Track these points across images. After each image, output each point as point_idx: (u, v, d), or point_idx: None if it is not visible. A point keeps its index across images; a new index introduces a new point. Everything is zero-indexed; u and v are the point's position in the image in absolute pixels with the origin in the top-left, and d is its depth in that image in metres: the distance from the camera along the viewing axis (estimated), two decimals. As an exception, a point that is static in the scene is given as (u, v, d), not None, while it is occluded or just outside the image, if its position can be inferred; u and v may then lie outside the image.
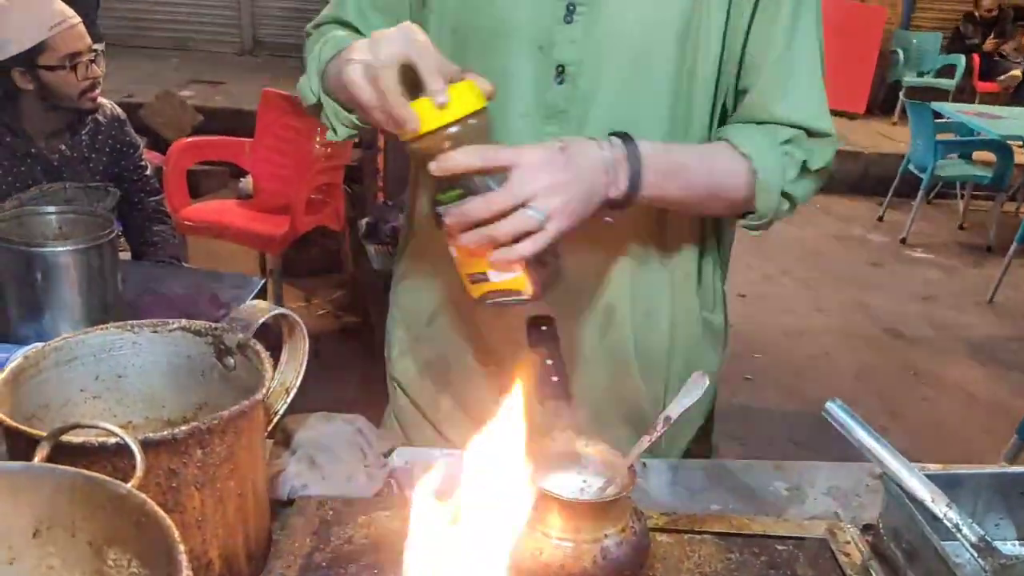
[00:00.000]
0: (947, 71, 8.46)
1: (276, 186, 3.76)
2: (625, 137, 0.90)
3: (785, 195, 0.99)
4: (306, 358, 0.94)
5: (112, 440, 0.64)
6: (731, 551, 0.87)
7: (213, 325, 0.85)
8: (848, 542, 0.89)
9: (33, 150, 1.97)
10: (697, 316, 1.11)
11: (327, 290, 4.15)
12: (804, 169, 0.99)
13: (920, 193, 5.65)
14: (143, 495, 0.55)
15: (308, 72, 1.03)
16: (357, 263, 3.68)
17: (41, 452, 0.62)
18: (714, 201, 1.00)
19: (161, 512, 0.54)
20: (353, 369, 3.09)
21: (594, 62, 0.97)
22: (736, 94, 1.03)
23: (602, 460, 0.83)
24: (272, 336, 0.88)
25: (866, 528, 0.93)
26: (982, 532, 0.84)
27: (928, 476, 0.88)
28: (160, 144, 5.41)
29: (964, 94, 8.24)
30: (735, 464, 1.08)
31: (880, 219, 6.17)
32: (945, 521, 0.85)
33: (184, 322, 0.86)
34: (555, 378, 0.87)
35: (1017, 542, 0.95)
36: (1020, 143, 5.03)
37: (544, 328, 0.90)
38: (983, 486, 0.93)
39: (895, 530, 0.88)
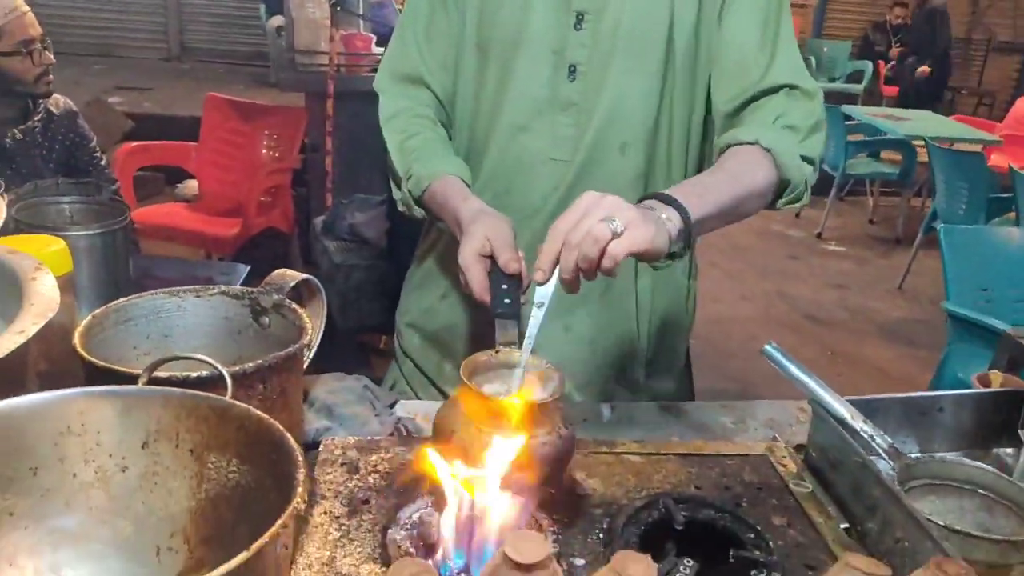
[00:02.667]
0: (856, 76, 9.04)
1: (223, 189, 3.82)
2: (657, 195, 0.98)
3: (804, 159, 1.12)
4: (324, 318, 1.08)
5: (195, 373, 0.78)
6: (691, 467, 1.05)
7: (250, 289, 0.98)
8: (784, 456, 1.08)
9: None
10: (676, 281, 1.30)
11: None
12: (805, 130, 1.13)
13: (832, 190, 6.05)
14: (246, 404, 0.69)
15: (403, 190, 1.21)
16: (308, 262, 3.77)
17: (141, 381, 0.75)
18: (750, 199, 1.08)
19: (264, 415, 0.68)
20: (314, 362, 3.19)
21: (600, 60, 1.15)
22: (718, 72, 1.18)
23: (539, 371, 0.92)
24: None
25: (798, 448, 1.12)
26: (891, 441, 1.04)
27: (849, 401, 1.08)
28: (93, 150, 5.37)
29: (872, 97, 8.81)
30: (688, 405, 1.27)
31: (797, 216, 6.54)
32: (862, 434, 1.04)
33: (223, 287, 0.99)
34: (507, 300, 0.99)
35: (919, 454, 1.15)
36: (922, 142, 5.44)
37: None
38: (893, 409, 1.14)
39: (822, 447, 1.07)
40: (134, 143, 3.66)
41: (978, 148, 5.60)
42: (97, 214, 1.33)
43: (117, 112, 6.40)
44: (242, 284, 1.69)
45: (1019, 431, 1.13)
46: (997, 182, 4.66)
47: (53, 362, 0.92)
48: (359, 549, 0.85)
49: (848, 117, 6.14)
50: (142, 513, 0.72)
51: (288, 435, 0.65)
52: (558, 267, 0.88)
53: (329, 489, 0.94)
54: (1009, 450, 1.17)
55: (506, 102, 1.18)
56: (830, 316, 4.62)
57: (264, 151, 3.79)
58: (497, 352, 0.91)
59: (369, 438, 1.05)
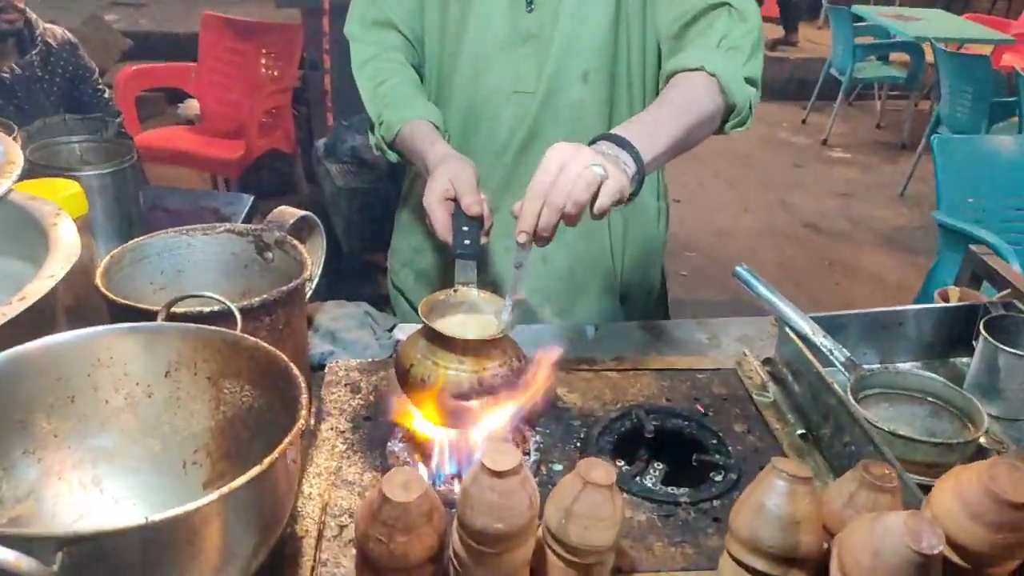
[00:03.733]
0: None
1: (224, 110, 3.84)
2: (609, 136, 0.99)
3: (747, 80, 1.13)
4: (324, 252, 1.16)
5: (208, 308, 0.86)
6: (664, 380, 1.14)
7: (254, 227, 1.06)
8: (751, 369, 1.18)
9: None
10: (645, 202, 1.36)
11: (282, 211, 4.28)
12: (748, 50, 1.14)
13: (840, 95, 5.98)
14: (254, 338, 0.78)
15: (376, 136, 1.26)
16: (312, 182, 3.83)
17: (161, 317, 0.84)
18: (699, 127, 1.08)
19: (271, 347, 0.77)
20: (322, 280, 3.29)
21: None
22: None
23: (494, 309, 0.98)
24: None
25: (766, 361, 1.21)
26: (849, 354, 1.13)
27: (812, 317, 1.16)
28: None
29: (885, -4, 8.54)
30: (667, 323, 1.36)
31: (804, 121, 6.49)
32: (821, 348, 1.13)
33: (229, 225, 1.06)
34: (467, 241, 1.05)
35: (879, 365, 1.25)
36: (931, 43, 5.34)
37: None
38: (855, 325, 1.22)
39: (787, 360, 1.16)
40: (135, 66, 3.67)
41: (989, 50, 5.49)
42: (106, 152, 1.40)
43: (115, 31, 6.32)
44: (247, 212, 1.77)
45: (973, 342, 1.21)
46: (1004, 85, 4.61)
47: (77, 297, 1.01)
48: (362, 460, 0.96)
49: (859, 19, 6.01)
50: (168, 432, 0.82)
51: (292, 365, 0.74)
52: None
53: (335, 407, 1.05)
54: (964, 359, 1.26)
55: (467, 40, 1.23)
56: (832, 226, 4.66)
57: (263, 70, 3.79)
58: (456, 291, 0.98)
59: (370, 360, 1.15)
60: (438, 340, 0.91)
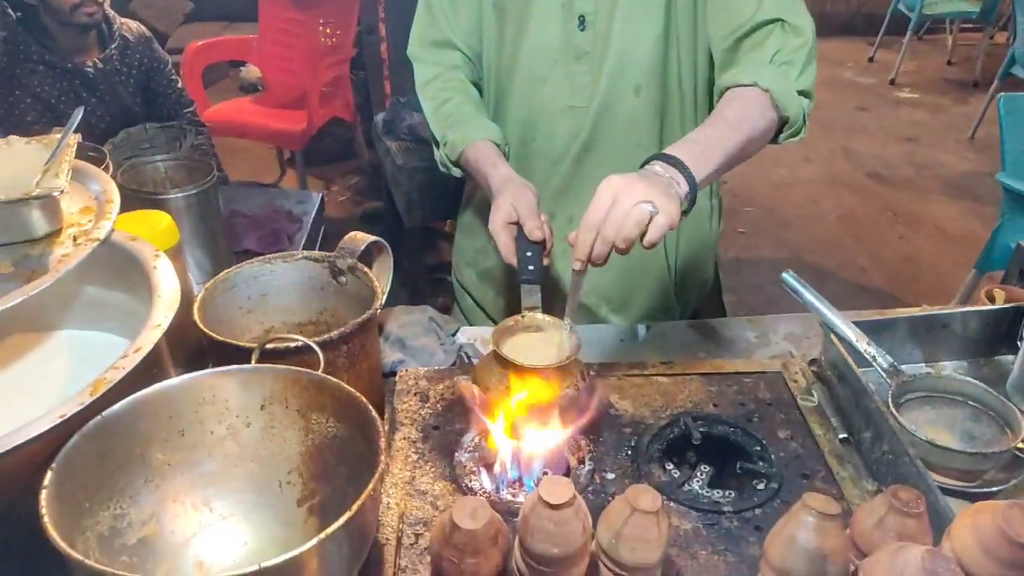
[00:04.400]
0: None
1: (286, 79, 3.94)
2: (663, 156, 1.03)
3: (801, 92, 1.17)
4: (392, 271, 1.25)
5: (294, 344, 0.97)
6: (711, 385, 1.21)
7: (328, 254, 1.16)
8: (797, 372, 1.24)
9: (69, 65, 2.20)
10: (699, 203, 1.40)
11: (344, 177, 4.41)
12: (800, 64, 1.17)
13: (909, 31, 5.74)
14: (337, 380, 0.88)
15: (440, 153, 1.33)
16: (371, 148, 3.92)
17: (255, 356, 0.94)
18: (751, 144, 1.12)
19: (353, 390, 0.86)
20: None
21: (606, 9, 1.23)
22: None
23: (560, 330, 1.05)
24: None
25: (812, 362, 1.27)
26: (891, 360, 1.18)
27: (855, 323, 1.21)
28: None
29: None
30: (716, 321, 1.41)
31: (871, 60, 6.27)
32: (865, 355, 1.18)
33: (306, 253, 1.16)
34: (531, 267, 1.12)
35: (923, 364, 1.29)
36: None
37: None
38: (901, 327, 1.27)
39: (830, 362, 1.22)
40: (200, 42, 3.77)
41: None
42: (188, 170, 1.51)
43: (175, -7, 6.44)
44: (316, 210, 1.87)
45: (1018, 342, 1.24)
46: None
47: (177, 316, 1.12)
48: (433, 469, 1.06)
49: (930, -52, 5.72)
50: (265, 457, 0.94)
51: (371, 408, 0.84)
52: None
53: (406, 417, 1.15)
54: (1009, 357, 1.29)
55: (523, 56, 1.28)
56: (895, 173, 4.56)
57: (321, 39, 3.85)
58: (523, 316, 1.07)
59: (436, 368, 1.25)
60: (510, 366, 1.00)
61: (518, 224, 1.14)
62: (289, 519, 0.93)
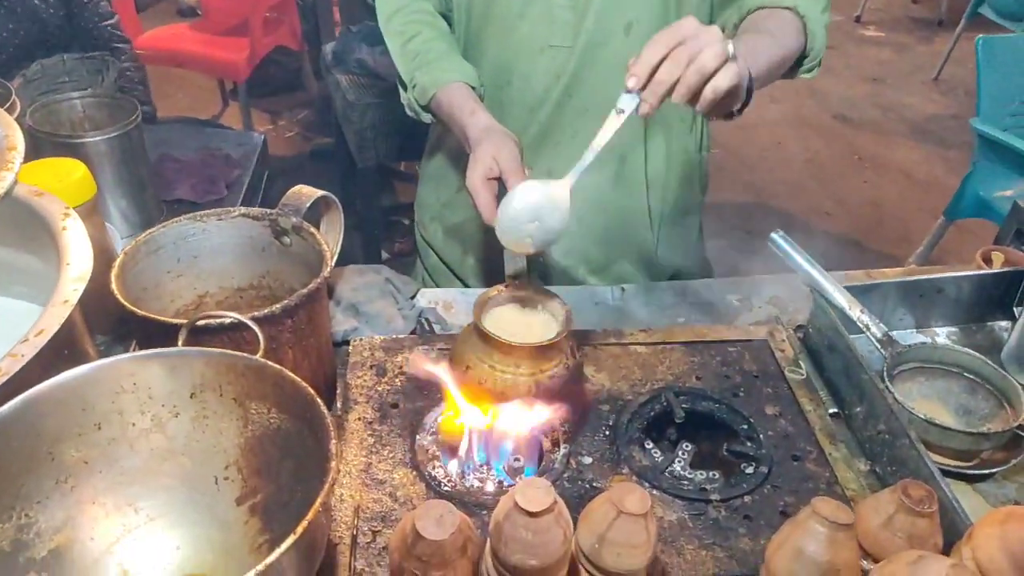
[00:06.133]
0: None
1: (226, 4, 3.65)
2: None
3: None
4: (343, 229, 1.12)
5: (228, 321, 0.84)
6: (694, 355, 1.12)
7: (269, 211, 1.02)
8: (784, 341, 1.15)
9: None
10: (688, 157, 1.29)
11: (292, 110, 4.17)
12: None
13: (877, -33, 5.61)
14: (278, 365, 0.76)
15: (408, 96, 1.19)
16: (319, 79, 3.69)
17: (182, 337, 0.81)
18: (785, 62, 1.06)
19: (296, 377, 0.74)
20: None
21: None
22: None
23: (548, 307, 0.96)
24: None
25: (798, 328, 1.18)
26: (886, 329, 1.10)
27: (847, 288, 1.12)
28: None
29: None
30: (697, 283, 1.32)
31: (836, -5, 6.14)
32: (858, 323, 1.10)
33: (244, 209, 1.02)
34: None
35: (915, 330, 1.21)
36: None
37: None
38: (891, 291, 1.18)
39: (820, 330, 1.13)
40: (129, -41, 3.46)
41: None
42: (110, 109, 1.33)
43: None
44: (259, 153, 1.71)
45: (1014, 308, 1.17)
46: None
47: (94, 279, 0.98)
48: (391, 454, 0.96)
49: None
50: (198, 450, 0.82)
51: (319, 401, 0.72)
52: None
53: (361, 394, 1.04)
54: (1004, 323, 1.22)
55: None
56: (861, 115, 4.49)
57: (265, -40, 3.57)
58: (507, 286, 0.95)
59: (394, 336, 1.13)
60: (493, 342, 0.89)
61: (499, 180, 1.02)
62: (227, 520, 0.82)
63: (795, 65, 1.12)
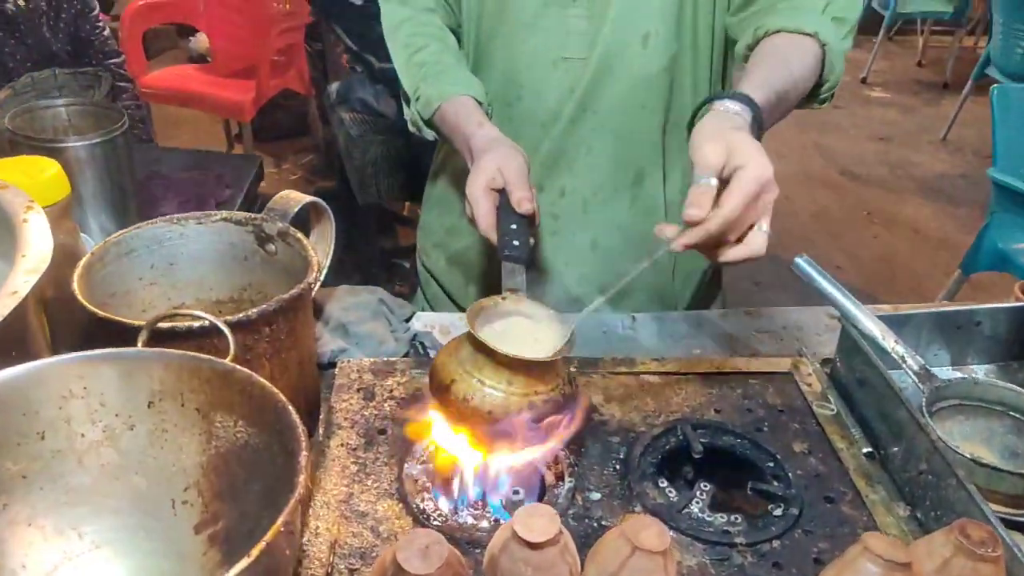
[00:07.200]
0: None
1: (235, 47, 3.67)
2: (744, 98, 0.89)
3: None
4: (334, 239, 1.04)
5: (198, 324, 0.75)
6: (712, 387, 1.03)
7: (253, 215, 0.94)
8: (810, 374, 1.06)
9: None
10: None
11: (297, 154, 4.15)
12: (850, 24, 1.03)
13: (882, 30, 5.67)
14: (247, 370, 0.67)
15: (412, 110, 1.13)
16: (326, 124, 3.67)
17: (142, 338, 0.72)
18: (795, 99, 1.01)
19: (267, 383, 0.65)
20: (337, 232, 3.19)
21: None
22: None
23: (546, 319, 0.86)
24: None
25: (824, 362, 1.09)
26: (923, 361, 1.00)
27: (879, 317, 1.03)
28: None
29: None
30: (713, 313, 1.23)
31: (841, 58, 6.20)
32: (893, 354, 1.00)
33: (226, 213, 0.94)
34: (516, 242, 0.92)
35: (951, 367, 1.12)
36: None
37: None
38: (925, 323, 1.09)
39: (849, 363, 1.04)
40: (140, 1, 3.48)
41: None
42: (95, 117, 1.27)
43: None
44: (254, 176, 1.64)
45: (1059, 344, 1.08)
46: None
47: (60, 287, 0.90)
48: (376, 484, 0.86)
49: (904, -53, 5.65)
50: (154, 468, 0.72)
51: (291, 409, 0.63)
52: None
53: (345, 418, 0.94)
54: (1046, 362, 1.13)
55: None
56: (869, 172, 4.46)
57: (275, 4, 3.59)
58: (504, 298, 0.86)
59: (385, 359, 1.04)
60: (485, 354, 0.79)
61: (502, 192, 0.94)
62: (183, 550, 0.71)
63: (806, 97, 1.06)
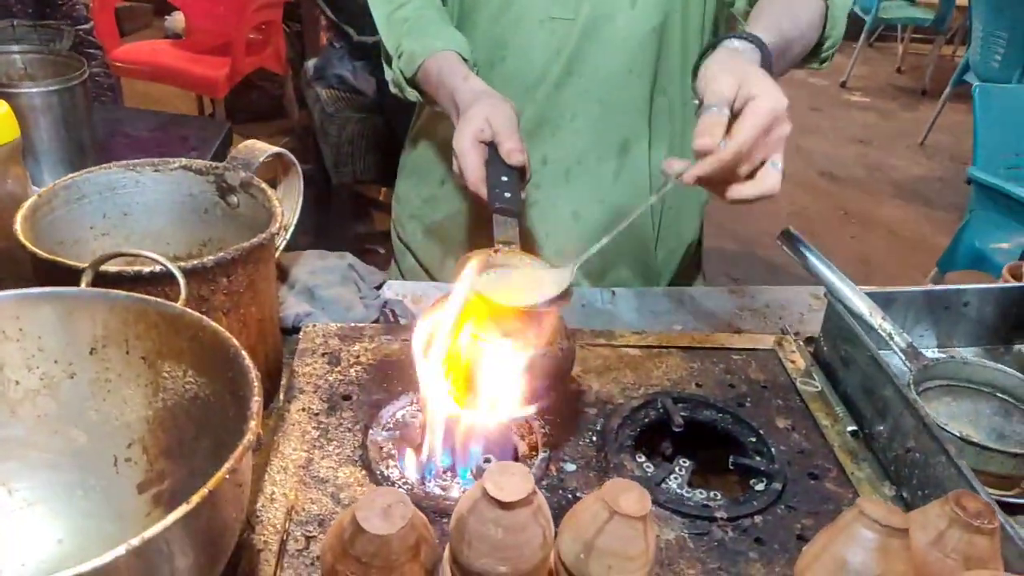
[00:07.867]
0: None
1: (211, 24, 3.58)
2: (754, 38, 0.85)
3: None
4: (301, 196, 0.98)
5: (147, 269, 0.69)
6: (693, 361, 0.99)
7: (214, 164, 0.88)
8: (793, 351, 1.02)
9: None
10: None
11: (271, 137, 4.06)
12: None
13: (862, 35, 5.69)
14: (198, 313, 0.61)
15: (394, 69, 1.07)
16: (303, 107, 3.60)
17: (85, 280, 0.67)
18: (800, 52, 1.00)
19: (220, 327, 0.60)
20: (310, 216, 3.12)
21: None
22: None
23: (543, 277, 0.80)
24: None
25: (808, 340, 1.05)
26: (910, 339, 0.97)
27: (867, 294, 1.00)
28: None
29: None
30: (695, 290, 1.19)
31: (821, 62, 6.22)
32: (879, 331, 0.97)
33: (185, 161, 0.89)
34: (507, 194, 0.89)
35: (936, 348, 1.09)
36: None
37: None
38: (913, 302, 1.06)
39: (834, 341, 1.00)
40: (113, -28, 3.38)
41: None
42: (55, 67, 1.20)
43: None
44: (222, 141, 1.57)
45: (1047, 328, 1.06)
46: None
47: (8, 238, 0.84)
48: (338, 450, 0.80)
49: (886, -46, 5.69)
50: (96, 421, 0.67)
51: (244, 353, 0.58)
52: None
53: (308, 383, 0.89)
54: (1032, 346, 1.10)
55: None
56: (848, 173, 4.47)
57: (253, -18, 3.51)
58: (496, 251, 0.81)
59: (352, 325, 0.99)
60: (480, 307, 0.75)
61: (491, 145, 0.89)
62: (125, 510, 0.66)
63: (808, 54, 1.04)
